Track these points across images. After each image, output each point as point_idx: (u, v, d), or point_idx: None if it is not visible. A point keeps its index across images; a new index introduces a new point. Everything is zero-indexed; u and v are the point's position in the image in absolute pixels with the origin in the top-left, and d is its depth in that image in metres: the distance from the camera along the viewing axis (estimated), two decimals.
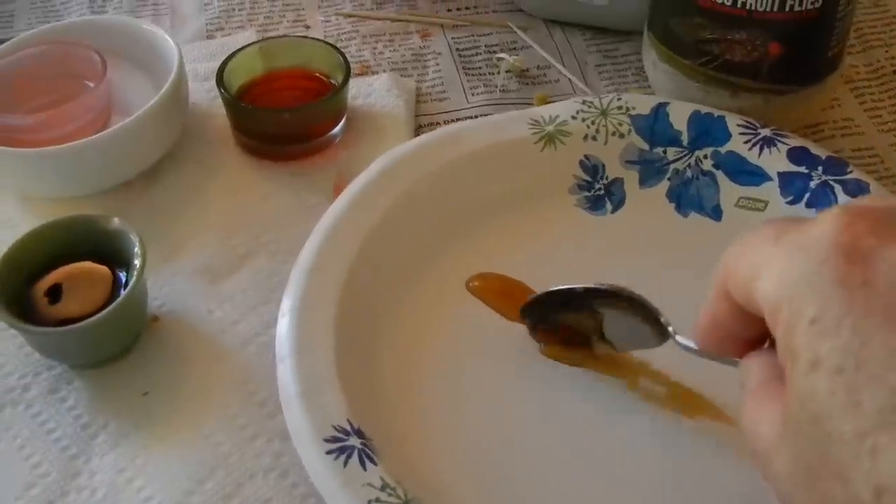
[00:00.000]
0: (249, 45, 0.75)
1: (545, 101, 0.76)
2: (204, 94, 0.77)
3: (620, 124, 0.68)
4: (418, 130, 0.75)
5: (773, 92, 0.69)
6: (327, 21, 0.87)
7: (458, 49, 0.83)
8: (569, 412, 0.57)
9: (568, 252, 0.65)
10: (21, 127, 0.68)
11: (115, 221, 0.61)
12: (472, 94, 0.79)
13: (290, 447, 0.53)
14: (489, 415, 0.57)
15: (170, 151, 0.72)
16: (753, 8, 0.65)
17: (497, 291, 0.62)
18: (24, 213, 0.70)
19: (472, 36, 0.84)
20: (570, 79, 0.79)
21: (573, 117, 0.68)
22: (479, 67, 0.81)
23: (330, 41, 0.79)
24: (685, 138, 0.68)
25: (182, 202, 0.70)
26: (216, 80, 0.71)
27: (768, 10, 0.65)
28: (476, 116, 0.75)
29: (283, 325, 0.56)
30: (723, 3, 0.66)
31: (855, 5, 0.68)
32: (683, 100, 0.69)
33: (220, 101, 0.73)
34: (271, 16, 0.88)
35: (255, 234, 0.68)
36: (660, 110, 0.68)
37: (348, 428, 0.52)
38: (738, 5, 0.65)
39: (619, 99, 0.69)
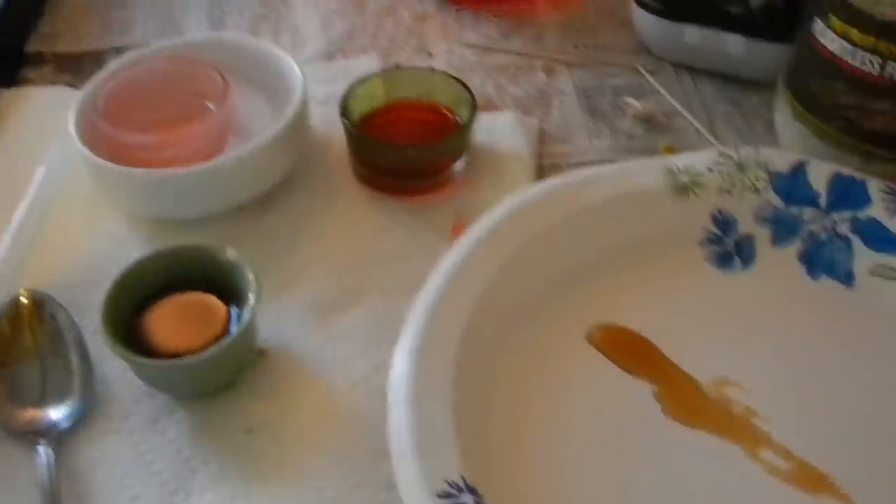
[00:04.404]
0: (374, 74, 0.73)
1: (671, 151, 0.73)
2: (322, 118, 0.75)
3: (757, 180, 0.65)
4: (539, 172, 0.73)
5: None
6: (450, 51, 0.85)
7: (583, 89, 0.81)
8: (690, 477, 0.55)
9: (692, 309, 0.63)
10: (139, 145, 0.67)
11: (230, 253, 0.59)
12: (596, 139, 0.76)
13: (395, 498, 0.50)
14: (606, 476, 0.55)
15: (285, 178, 0.70)
16: None
17: (619, 346, 0.60)
18: (131, 231, 0.68)
19: (598, 76, 0.82)
20: (697, 128, 0.76)
21: (709, 169, 0.66)
22: (604, 110, 0.79)
23: (452, 72, 0.77)
24: (823, 200, 0.65)
25: (294, 231, 0.68)
26: (340, 112, 0.69)
27: None
28: (599, 162, 0.73)
29: (400, 368, 0.54)
30: (869, 73, 0.63)
31: None
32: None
33: (337, 126, 0.71)
34: (394, 39, 0.86)
35: (368, 271, 0.65)
36: (799, 169, 0.65)
37: (461, 484, 0.49)
38: (887, 75, 0.63)
39: (756, 153, 0.66)
